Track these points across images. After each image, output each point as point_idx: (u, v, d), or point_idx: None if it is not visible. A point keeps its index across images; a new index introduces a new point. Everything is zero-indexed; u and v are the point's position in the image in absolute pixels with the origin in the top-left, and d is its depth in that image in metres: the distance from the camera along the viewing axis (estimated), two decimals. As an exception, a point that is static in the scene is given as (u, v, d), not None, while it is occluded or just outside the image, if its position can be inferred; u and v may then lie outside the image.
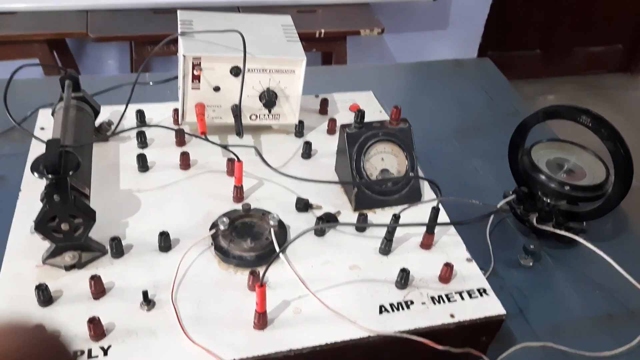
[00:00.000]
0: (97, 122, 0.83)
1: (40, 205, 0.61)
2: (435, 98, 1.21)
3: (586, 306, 0.77)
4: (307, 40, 1.98)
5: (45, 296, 0.59)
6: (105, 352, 0.56)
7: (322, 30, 1.97)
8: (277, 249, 0.66)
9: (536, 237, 0.86)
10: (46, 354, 0.31)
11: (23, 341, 0.31)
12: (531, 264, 0.82)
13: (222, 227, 0.67)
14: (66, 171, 0.60)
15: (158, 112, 0.90)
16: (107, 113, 0.87)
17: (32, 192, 0.72)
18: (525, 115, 0.86)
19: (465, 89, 1.24)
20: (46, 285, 0.59)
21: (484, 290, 0.67)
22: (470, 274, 0.69)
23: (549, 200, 0.82)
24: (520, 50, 2.97)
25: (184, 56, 0.76)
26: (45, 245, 0.64)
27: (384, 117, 0.95)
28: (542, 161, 0.84)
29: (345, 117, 0.94)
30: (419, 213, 0.75)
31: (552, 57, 3.02)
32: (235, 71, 0.79)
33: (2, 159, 0.89)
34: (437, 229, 0.72)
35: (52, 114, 0.78)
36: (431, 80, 1.29)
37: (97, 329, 0.56)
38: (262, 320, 0.59)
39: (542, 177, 0.82)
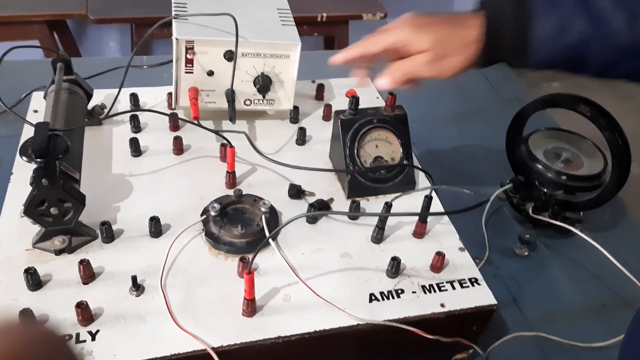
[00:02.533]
0: (90, 105, 0.82)
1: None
2: (435, 83, 1.19)
3: (580, 296, 0.77)
4: (309, 24, 1.95)
5: (34, 280, 0.59)
6: (94, 337, 0.56)
7: (324, 14, 1.94)
8: (268, 235, 0.65)
9: (532, 226, 0.85)
10: (35, 343, 0.30)
11: (10, 334, 0.30)
12: (526, 253, 0.81)
13: (212, 213, 0.67)
14: (55, 155, 0.60)
15: (152, 96, 0.89)
16: (101, 96, 0.86)
17: (23, 175, 0.71)
18: (526, 102, 0.85)
19: (465, 75, 1.22)
20: (35, 269, 0.59)
21: (476, 280, 0.66)
22: (463, 264, 0.68)
23: (545, 190, 0.81)
24: (526, 36, 2.93)
25: (177, 39, 0.75)
26: (35, 228, 0.64)
27: (381, 103, 0.93)
28: (539, 150, 0.83)
29: (341, 103, 0.93)
30: (413, 201, 0.74)
31: (558, 44, 2.98)
32: (229, 55, 0.77)
33: (-3, 141, 0.88)
34: (430, 218, 0.71)
35: (45, 97, 0.77)
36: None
37: (85, 313, 0.56)
38: (250, 307, 0.59)
39: (539, 166, 0.81)
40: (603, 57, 0.58)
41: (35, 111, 0.85)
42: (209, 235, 0.67)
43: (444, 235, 0.72)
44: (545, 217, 0.82)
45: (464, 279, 0.66)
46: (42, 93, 0.82)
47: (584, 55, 0.58)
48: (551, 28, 0.57)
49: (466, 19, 0.62)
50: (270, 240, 0.66)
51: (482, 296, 0.65)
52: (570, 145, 0.85)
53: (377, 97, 0.96)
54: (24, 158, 0.59)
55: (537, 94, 0.86)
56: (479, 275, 0.67)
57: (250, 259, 0.58)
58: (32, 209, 0.61)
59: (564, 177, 0.79)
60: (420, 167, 0.79)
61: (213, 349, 0.56)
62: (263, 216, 0.68)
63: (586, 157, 0.83)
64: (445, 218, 0.74)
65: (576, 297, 0.77)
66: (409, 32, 0.63)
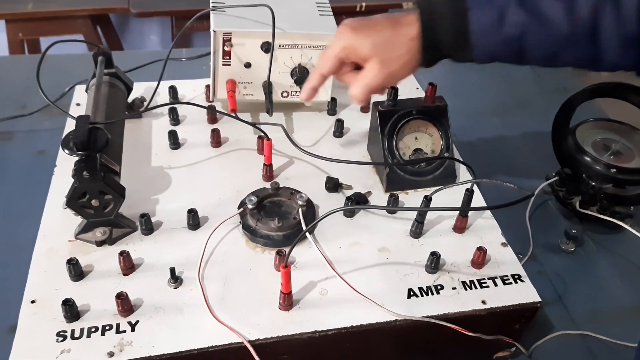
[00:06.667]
0: (130, 98, 0.83)
1: (73, 181, 0.62)
2: (478, 73, 1.16)
3: (630, 294, 0.74)
4: (348, 14, 1.92)
5: (76, 271, 0.60)
6: (133, 328, 0.57)
7: (363, 4, 1.92)
8: (304, 229, 0.65)
9: (579, 221, 0.82)
10: None
11: None
12: (573, 249, 0.78)
13: (249, 206, 0.67)
14: (95, 148, 0.61)
15: (191, 88, 0.90)
16: (141, 89, 0.87)
17: (67, 167, 0.72)
18: (573, 91, 0.82)
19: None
20: (77, 260, 0.60)
21: (519, 277, 0.64)
22: (505, 259, 0.66)
23: (593, 183, 0.78)
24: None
25: (214, 31, 0.75)
26: (78, 220, 0.65)
27: (421, 94, 0.91)
28: (587, 142, 0.80)
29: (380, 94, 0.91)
30: (454, 195, 0.72)
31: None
32: (266, 47, 0.77)
33: (42, 133, 0.91)
34: (471, 212, 0.69)
35: (86, 90, 0.79)
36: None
37: (125, 304, 0.57)
38: (287, 301, 0.59)
39: (587, 158, 0.78)
40: (544, 47, 0.56)
41: (78, 104, 0.86)
42: (246, 228, 0.67)
43: (486, 229, 0.70)
44: (593, 212, 0.79)
45: (507, 275, 0.64)
46: (84, 86, 0.84)
47: (525, 46, 0.56)
48: (489, 21, 0.55)
49: (403, 17, 0.60)
50: (307, 233, 0.65)
51: (525, 293, 0.62)
52: (620, 136, 0.81)
53: (417, 88, 0.94)
54: (66, 151, 0.60)
55: (585, 83, 0.82)
56: (522, 272, 0.65)
57: (286, 253, 0.58)
58: (74, 201, 0.62)
59: (613, 170, 0.76)
60: (461, 159, 0.77)
61: (250, 342, 0.56)
62: (300, 209, 0.67)
63: (637, 149, 0.80)
64: (487, 212, 0.72)
65: (625, 295, 0.74)
66: (349, 37, 0.61)
